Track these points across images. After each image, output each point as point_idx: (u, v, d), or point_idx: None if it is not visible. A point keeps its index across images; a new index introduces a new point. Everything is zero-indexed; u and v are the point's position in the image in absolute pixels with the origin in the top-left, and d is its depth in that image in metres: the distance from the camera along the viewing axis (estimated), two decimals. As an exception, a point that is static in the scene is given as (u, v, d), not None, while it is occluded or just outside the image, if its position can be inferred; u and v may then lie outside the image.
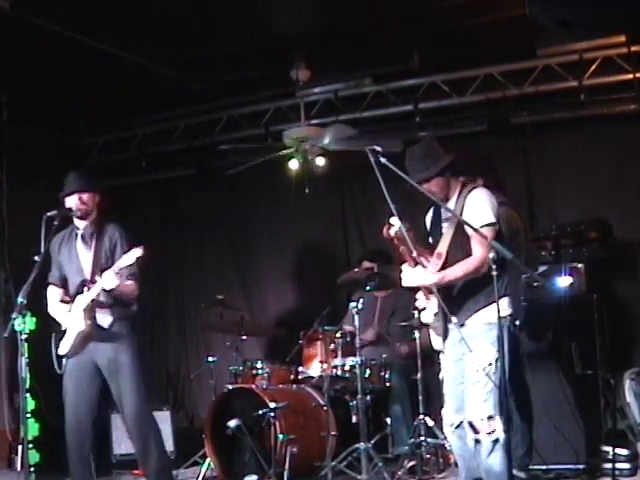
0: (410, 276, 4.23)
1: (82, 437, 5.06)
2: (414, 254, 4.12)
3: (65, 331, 5.06)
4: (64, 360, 5.06)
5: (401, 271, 4.29)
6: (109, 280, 4.82)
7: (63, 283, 5.23)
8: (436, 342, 4.43)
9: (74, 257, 5.15)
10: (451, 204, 4.32)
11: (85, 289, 5.00)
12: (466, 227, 4.14)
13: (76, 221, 5.16)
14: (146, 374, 5.27)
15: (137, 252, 4.77)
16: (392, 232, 4.01)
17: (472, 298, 4.21)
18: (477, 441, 4.12)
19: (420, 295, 4.42)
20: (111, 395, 5.13)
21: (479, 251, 4.11)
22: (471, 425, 4.13)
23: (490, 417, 4.08)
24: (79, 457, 5.06)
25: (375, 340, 6.63)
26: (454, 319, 4.16)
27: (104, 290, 4.90)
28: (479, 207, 4.21)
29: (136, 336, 5.20)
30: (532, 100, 6.78)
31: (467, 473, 4.32)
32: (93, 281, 4.99)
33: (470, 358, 4.15)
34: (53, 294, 5.24)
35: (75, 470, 5.06)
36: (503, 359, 3.99)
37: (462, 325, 4.20)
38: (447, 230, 4.32)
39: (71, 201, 5.09)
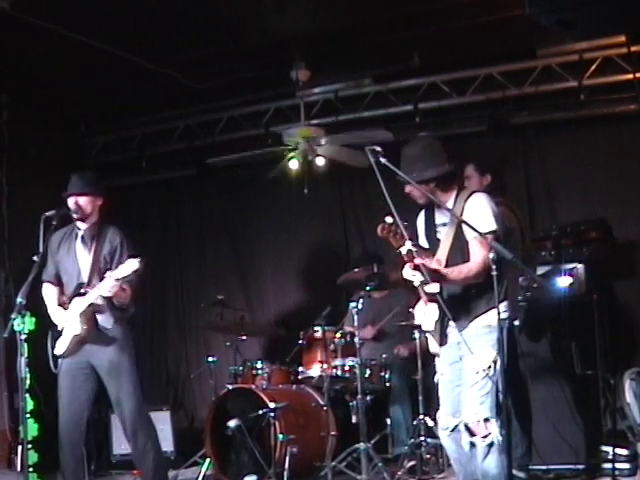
0: (411, 273, 4.15)
1: (77, 437, 5.09)
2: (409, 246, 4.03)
3: (61, 331, 5.06)
4: (59, 360, 5.06)
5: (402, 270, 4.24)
6: (108, 287, 4.82)
7: (58, 281, 5.22)
8: (433, 345, 4.41)
9: (72, 258, 5.14)
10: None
11: (82, 292, 5.00)
12: (465, 232, 4.11)
13: (77, 222, 5.16)
14: (142, 375, 5.30)
15: (134, 265, 4.74)
16: (385, 228, 3.97)
17: (473, 303, 4.18)
18: (472, 444, 4.10)
19: (421, 302, 4.39)
20: (107, 395, 5.14)
21: (479, 256, 4.04)
22: (467, 428, 4.12)
23: (486, 420, 4.06)
24: (73, 457, 5.08)
25: (374, 338, 6.63)
26: (453, 323, 4.15)
27: (101, 296, 4.91)
28: (480, 213, 4.14)
29: (132, 338, 5.21)
30: (532, 100, 6.78)
31: (465, 477, 4.30)
32: (90, 285, 5.00)
33: (469, 360, 4.14)
34: (50, 293, 5.22)
35: (68, 469, 5.07)
36: (503, 361, 3.98)
37: (462, 329, 4.18)
38: (445, 236, 4.25)
39: (70, 203, 5.09)
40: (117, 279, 4.77)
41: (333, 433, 5.94)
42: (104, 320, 5.05)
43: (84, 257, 5.11)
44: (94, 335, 5.00)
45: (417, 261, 3.95)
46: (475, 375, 4.10)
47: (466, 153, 6.04)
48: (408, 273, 4.06)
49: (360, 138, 6.37)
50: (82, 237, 5.16)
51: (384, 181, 3.91)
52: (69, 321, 5.00)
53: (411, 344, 6.29)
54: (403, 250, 3.93)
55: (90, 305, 4.94)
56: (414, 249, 3.95)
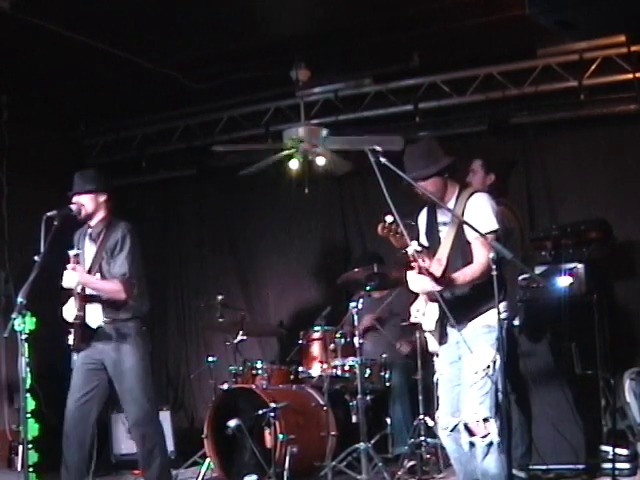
0: (417, 282, 4.15)
1: (83, 433, 5.02)
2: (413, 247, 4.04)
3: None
4: (74, 355, 5.06)
5: (405, 273, 4.25)
6: (66, 278, 4.85)
7: None
8: (432, 344, 4.42)
9: (82, 255, 5.16)
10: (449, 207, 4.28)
11: None
12: (467, 232, 4.12)
13: (87, 220, 5.17)
14: (153, 377, 5.21)
15: (73, 252, 4.88)
16: (385, 227, 3.98)
17: (473, 303, 4.19)
18: (472, 444, 4.11)
19: (420, 300, 4.40)
20: (113, 395, 5.12)
21: (482, 257, 4.06)
22: (466, 427, 4.12)
23: (485, 419, 4.07)
24: (79, 452, 5.00)
25: (373, 326, 6.61)
26: (453, 323, 4.16)
27: (72, 288, 4.91)
28: (482, 213, 4.17)
29: (145, 338, 5.13)
30: (532, 100, 6.77)
31: (465, 476, 4.31)
32: None
33: (468, 360, 4.14)
34: None
35: (70, 462, 4.99)
36: (503, 361, 3.98)
37: (461, 328, 4.18)
38: (447, 235, 4.27)
39: (73, 203, 5.10)
40: (73, 267, 4.82)
41: (333, 433, 5.94)
42: (92, 318, 5.00)
43: (89, 254, 5.12)
44: (96, 333, 4.99)
45: (423, 266, 3.97)
46: (474, 375, 4.11)
47: (466, 153, 6.05)
48: (413, 277, 4.08)
49: (370, 143, 6.35)
50: (90, 234, 5.18)
51: (384, 181, 3.91)
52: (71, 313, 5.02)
53: (412, 341, 6.29)
54: (410, 250, 3.94)
55: (79, 297, 4.92)
56: (419, 249, 3.97)
